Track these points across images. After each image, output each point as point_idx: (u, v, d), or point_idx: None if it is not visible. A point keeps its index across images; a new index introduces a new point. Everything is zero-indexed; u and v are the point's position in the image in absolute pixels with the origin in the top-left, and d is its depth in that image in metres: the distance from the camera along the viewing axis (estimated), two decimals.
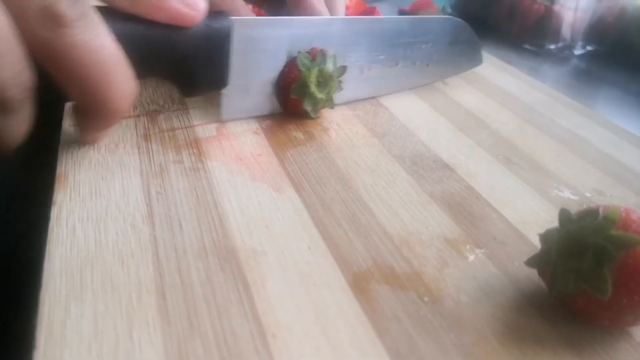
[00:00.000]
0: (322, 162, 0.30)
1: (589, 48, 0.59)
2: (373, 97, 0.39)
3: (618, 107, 0.48)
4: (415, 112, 0.38)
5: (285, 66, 0.33)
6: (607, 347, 0.20)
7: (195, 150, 0.30)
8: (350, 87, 0.36)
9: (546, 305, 0.22)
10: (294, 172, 0.29)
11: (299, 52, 0.33)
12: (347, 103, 0.37)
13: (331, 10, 0.37)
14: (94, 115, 0.26)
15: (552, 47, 0.58)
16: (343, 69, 0.34)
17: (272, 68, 0.33)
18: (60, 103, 0.31)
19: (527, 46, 0.59)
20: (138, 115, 0.33)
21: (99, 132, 0.28)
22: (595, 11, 0.57)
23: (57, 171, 0.27)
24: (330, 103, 0.34)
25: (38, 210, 0.25)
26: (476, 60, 0.44)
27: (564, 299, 0.21)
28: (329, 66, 0.33)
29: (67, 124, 0.31)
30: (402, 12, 0.64)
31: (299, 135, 0.33)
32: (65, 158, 0.28)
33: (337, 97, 0.35)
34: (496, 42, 0.58)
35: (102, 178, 0.27)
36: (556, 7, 0.56)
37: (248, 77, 0.33)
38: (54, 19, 0.22)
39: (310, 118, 0.35)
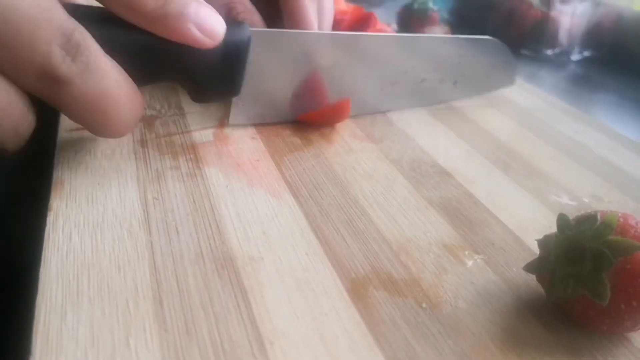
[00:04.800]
0: (320, 168, 0.30)
1: (586, 54, 0.59)
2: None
3: (615, 112, 0.48)
4: (413, 117, 0.38)
5: (306, 80, 0.34)
6: (605, 352, 0.20)
7: (192, 156, 0.30)
8: (370, 100, 0.37)
9: (544, 311, 0.21)
10: (292, 178, 0.29)
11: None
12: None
13: (320, 17, 0.37)
14: (98, 134, 0.26)
15: (549, 52, 0.58)
16: None
17: (287, 79, 0.33)
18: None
19: (524, 52, 0.59)
20: None
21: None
22: (592, 17, 0.57)
23: (54, 177, 0.27)
24: None
25: (34, 216, 0.24)
26: (507, 82, 0.43)
27: (562, 304, 0.21)
28: None
29: (64, 130, 0.31)
30: (402, 16, 0.63)
31: (297, 140, 0.33)
32: (62, 164, 0.28)
33: (356, 109, 0.35)
34: None
35: (98, 184, 0.26)
36: (553, 13, 0.57)
37: (261, 87, 0.33)
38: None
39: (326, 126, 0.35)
